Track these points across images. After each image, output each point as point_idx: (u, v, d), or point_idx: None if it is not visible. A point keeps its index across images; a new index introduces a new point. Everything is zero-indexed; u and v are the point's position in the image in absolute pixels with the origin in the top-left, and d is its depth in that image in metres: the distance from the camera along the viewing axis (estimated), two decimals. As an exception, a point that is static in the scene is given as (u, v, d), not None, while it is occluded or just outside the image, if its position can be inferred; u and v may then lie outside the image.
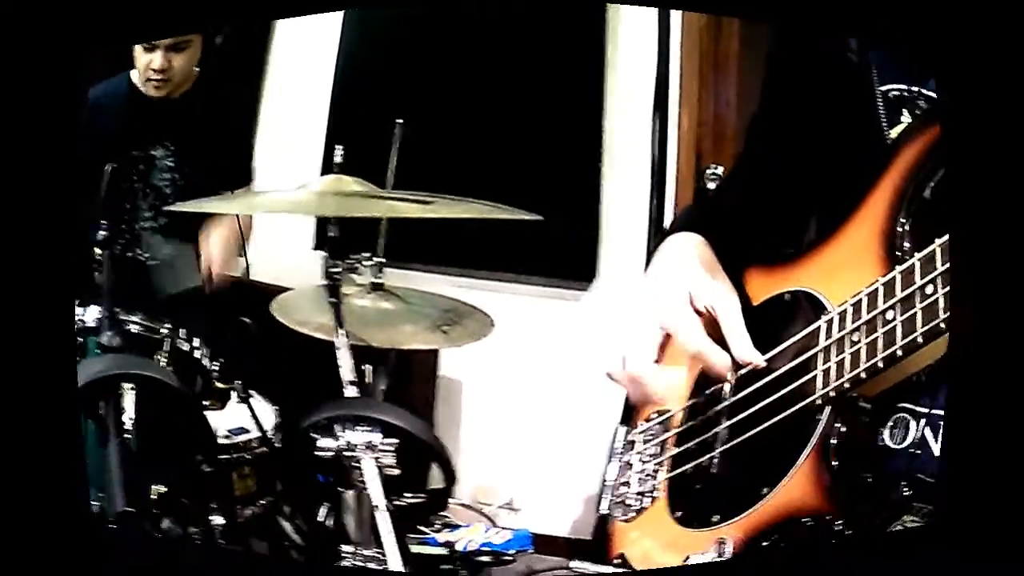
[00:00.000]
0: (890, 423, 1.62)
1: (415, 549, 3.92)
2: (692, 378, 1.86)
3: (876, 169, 1.66)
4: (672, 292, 1.76)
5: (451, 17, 4.61)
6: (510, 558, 4.03)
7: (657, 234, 2.10)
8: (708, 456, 1.80)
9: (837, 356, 1.60)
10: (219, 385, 3.51)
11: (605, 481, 1.99)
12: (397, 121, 3.71)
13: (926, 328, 1.47)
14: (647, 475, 1.91)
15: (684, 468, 1.84)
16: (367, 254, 3.62)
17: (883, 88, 1.75)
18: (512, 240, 4.46)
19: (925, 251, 1.50)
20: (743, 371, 1.72)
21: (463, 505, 4.58)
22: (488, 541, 4.05)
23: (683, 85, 4.57)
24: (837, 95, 1.82)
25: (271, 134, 5.01)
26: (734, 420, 1.76)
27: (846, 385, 1.58)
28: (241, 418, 3.57)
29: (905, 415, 1.61)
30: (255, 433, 3.54)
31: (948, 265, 1.42)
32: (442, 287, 4.08)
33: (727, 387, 1.77)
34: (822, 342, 1.65)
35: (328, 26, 4.91)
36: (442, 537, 4.05)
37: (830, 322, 1.64)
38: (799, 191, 1.90)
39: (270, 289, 3.81)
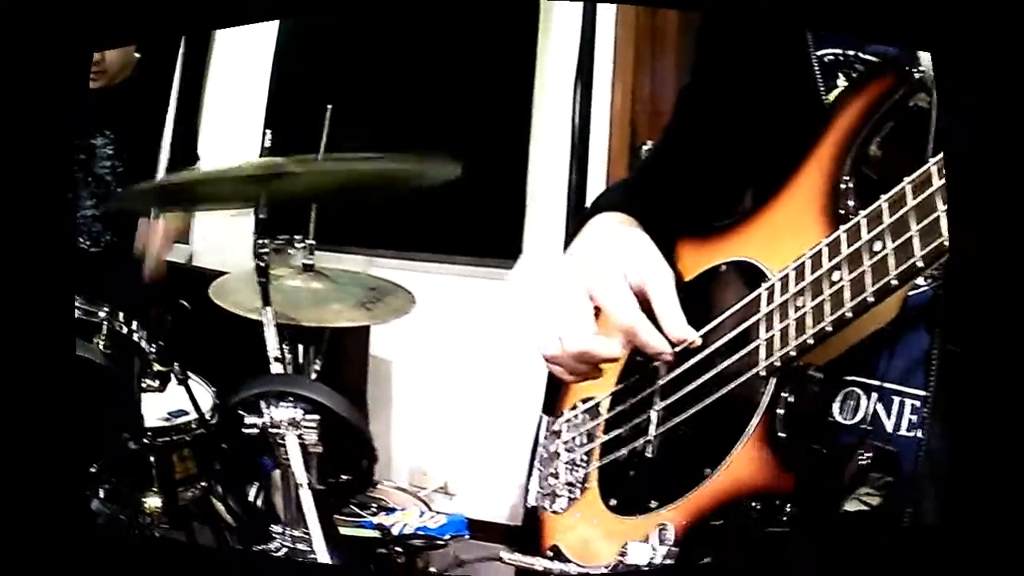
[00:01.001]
0: (840, 397, 1.51)
1: (349, 532, 3.87)
2: (623, 361, 1.69)
3: (814, 133, 1.54)
4: (605, 269, 1.60)
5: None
6: (443, 543, 3.95)
7: (576, 211, 1.96)
8: (642, 440, 1.65)
9: (781, 323, 1.47)
10: (158, 368, 3.43)
11: (531, 472, 1.85)
12: (327, 106, 3.67)
13: (876, 286, 1.34)
14: (576, 465, 1.77)
15: (616, 455, 1.70)
16: (299, 236, 3.65)
17: (819, 53, 1.64)
18: (439, 219, 4.37)
19: (871, 207, 1.38)
20: (678, 349, 1.57)
21: (398, 488, 4.46)
22: (423, 525, 3.97)
23: (617, 61, 4.36)
24: (771, 62, 1.70)
25: (215, 119, 4.90)
26: (669, 400, 1.62)
27: (792, 353, 1.45)
28: (181, 401, 3.49)
29: (855, 389, 1.50)
30: (194, 415, 3.46)
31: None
32: (371, 268, 4.10)
33: (661, 367, 1.63)
34: (763, 310, 1.51)
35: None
36: (377, 521, 3.97)
37: (771, 289, 1.51)
38: (732, 160, 1.78)
39: (212, 274, 3.80)
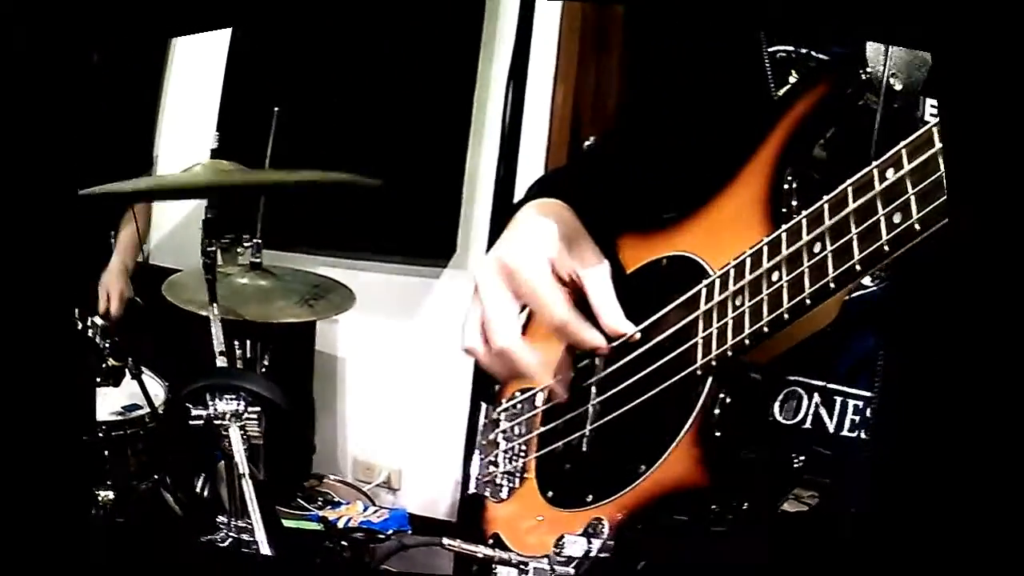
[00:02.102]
0: (780, 397, 1.42)
1: (293, 524, 3.82)
2: (561, 352, 1.59)
3: (761, 130, 1.44)
4: (529, 262, 1.48)
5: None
6: (384, 537, 3.85)
7: (502, 206, 1.85)
8: (578, 434, 1.56)
9: (719, 321, 1.37)
10: (112, 363, 3.34)
11: (471, 461, 1.77)
12: (274, 108, 3.66)
13: (814, 288, 1.25)
14: (514, 455, 1.69)
15: (553, 447, 1.61)
16: (247, 236, 3.64)
17: (771, 49, 1.54)
18: (379, 220, 4.25)
19: (812, 208, 1.28)
20: (615, 343, 1.48)
21: (343, 483, 4.38)
22: (367, 520, 3.93)
23: (560, 58, 4.19)
24: (723, 57, 1.60)
25: (171, 124, 4.80)
26: (606, 395, 1.52)
27: (729, 352, 1.35)
28: (134, 395, 3.39)
29: (797, 389, 1.41)
30: (147, 409, 3.36)
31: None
32: (317, 267, 4.01)
33: (598, 361, 1.53)
34: (702, 307, 1.41)
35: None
36: (322, 514, 3.94)
37: (711, 286, 1.41)
38: (680, 153, 1.64)
39: (168, 272, 3.78)
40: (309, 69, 4.36)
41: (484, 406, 1.76)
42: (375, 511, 4.01)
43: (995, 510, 1.29)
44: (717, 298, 1.39)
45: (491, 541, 1.66)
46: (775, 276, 1.30)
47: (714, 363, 1.37)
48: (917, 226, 1.14)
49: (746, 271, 1.35)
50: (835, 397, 1.40)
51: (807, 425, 1.40)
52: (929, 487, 1.32)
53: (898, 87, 1.37)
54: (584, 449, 1.54)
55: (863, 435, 1.39)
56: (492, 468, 1.71)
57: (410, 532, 3.96)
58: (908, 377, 1.35)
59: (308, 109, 4.18)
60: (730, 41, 1.57)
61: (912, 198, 1.15)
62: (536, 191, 1.68)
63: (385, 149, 4.19)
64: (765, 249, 1.33)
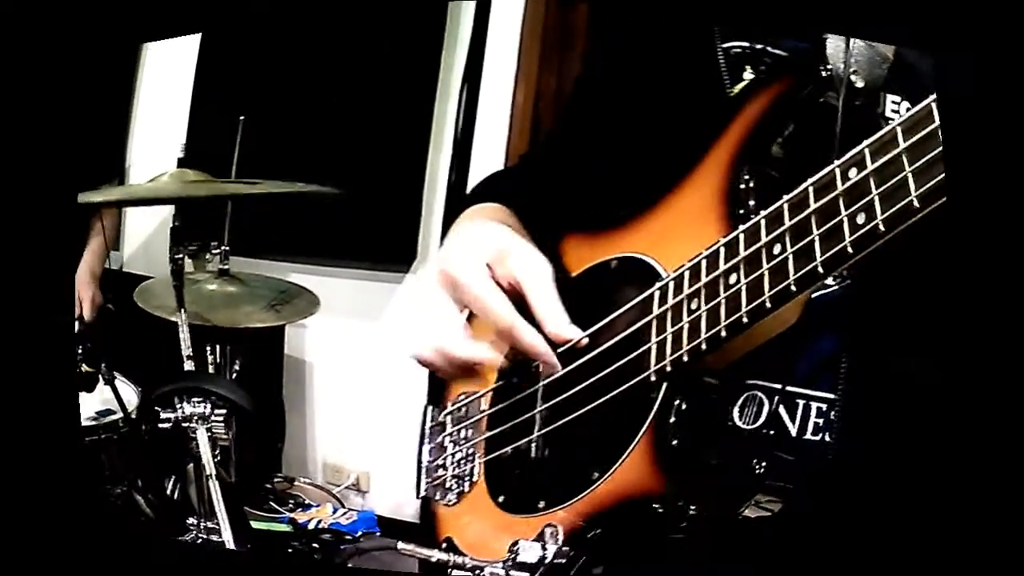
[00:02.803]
0: (740, 401, 1.31)
1: (263, 526, 3.79)
2: (504, 355, 1.48)
3: (715, 127, 1.34)
4: (469, 268, 1.38)
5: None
6: (353, 539, 3.83)
7: (455, 209, 1.80)
8: (526, 439, 1.46)
9: (673, 326, 1.27)
10: (85, 368, 3.24)
11: (420, 464, 1.66)
12: (240, 117, 3.63)
13: (774, 291, 1.16)
14: (462, 458, 1.58)
15: (500, 452, 1.51)
16: (215, 243, 3.62)
17: (725, 45, 1.43)
18: (344, 227, 4.14)
19: (771, 208, 1.19)
20: (561, 349, 1.37)
21: (313, 485, 4.30)
22: (336, 522, 3.89)
23: (521, 59, 4.02)
24: (675, 52, 1.49)
25: (143, 133, 4.70)
26: (553, 402, 1.42)
27: (685, 358, 1.25)
28: (108, 401, 3.31)
29: (757, 393, 1.31)
30: (120, 414, 3.28)
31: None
32: (284, 273, 3.95)
33: (542, 366, 1.41)
34: (655, 311, 1.31)
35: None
36: (292, 516, 3.91)
37: (664, 289, 1.31)
38: (629, 152, 1.53)
39: (141, 279, 3.74)
40: (275, 79, 4.26)
41: (430, 409, 1.68)
42: (344, 513, 3.97)
43: (961, 511, 1.24)
44: (671, 301, 1.29)
45: (444, 545, 1.56)
46: (733, 278, 1.21)
47: (668, 369, 1.27)
48: (881, 227, 1.06)
49: (702, 273, 1.25)
50: (797, 400, 1.31)
51: (768, 430, 1.30)
52: (894, 489, 1.30)
53: (859, 84, 1.29)
54: (533, 455, 1.45)
55: (827, 438, 1.30)
56: (441, 471, 1.62)
57: (379, 534, 3.91)
58: (871, 378, 1.29)
59: (274, 118, 4.10)
60: (683, 37, 1.48)
61: (876, 198, 1.07)
62: (478, 195, 1.61)
63: (348, 158, 4.09)
64: (722, 250, 1.24)
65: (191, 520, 3.07)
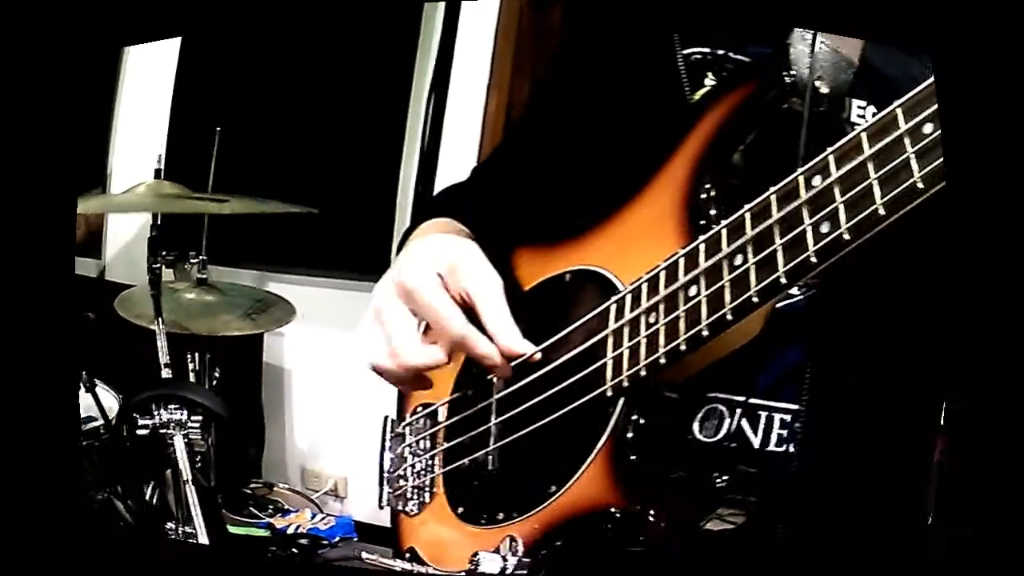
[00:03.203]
0: (700, 415, 1.28)
1: (242, 531, 3.78)
2: (458, 367, 1.45)
3: (675, 135, 1.26)
4: (423, 281, 1.31)
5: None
6: (329, 544, 3.80)
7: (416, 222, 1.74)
8: (482, 452, 1.40)
9: (630, 340, 1.21)
10: None
11: (382, 474, 1.59)
12: (216, 129, 3.60)
13: (735, 303, 1.10)
14: (422, 469, 1.53)
15: (458, 464, 1.45)
16: (193, 253, 3.59)
17: (685, 52, 1.36)
18: (320, 238, 4.09)
19: (732, 217, 1.13)
20: (515, 363, 1.29)
21: (292, 491, 4.24)
22: (315, 527, 3.86)
23: (494, 67, 3.92)
24: (634, 59, 1.42)
25: (124, 143, 4.62)
26: (507, 415, 1.36)
27: (643, 372, 1.19)
28: (89, 407, 3.23)
29: (718, 406, 1.28)
30: (101, 421, 3.22)
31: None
32: (262, 282, 3.97)
33: (496, 380, 1.36)
34: (611, 325, 1.24)
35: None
36: (270, 521, 3.88)
37: (620, 302, 1.24)
38: (583, 161, 1.47)
39: (122, 287, 3.71)
40: (253, 91, 4.20)
41: (390, 419, 1.61)
42: (322, 519, 3.93)
43: (923, 521, 1.30)
44: (628, 315, 1.23)
45: (408, 555, 1.51)
46: (692, 291, 1.15)
47: (625, 384, 1.21)
48: (846, 236, 1.01)
49: (660, 286, 1.19)
50: (759, 412, 1.27)
51: (730, 443, 1.27)
52: (858, 499, 1.27)
53: (824, 90, 1.23)
54: (490, 467, 1.39)
55: (791, 449, 1.26)
56: (402, 482, 1.56)
57: (356, 539, 3.88)
58: (837, 388, 1.25)
59: (251, 130, 4.06)
60: (642, 44, 1.41)
61: (840, 207, 1.02)
62: (432, 209, 1.55)
63: (323, 168, 4.07)
64: (681, 262, 1.17)
65: (169, 524, 3.05)
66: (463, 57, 3.89)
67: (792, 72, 1.21)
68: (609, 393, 1.22)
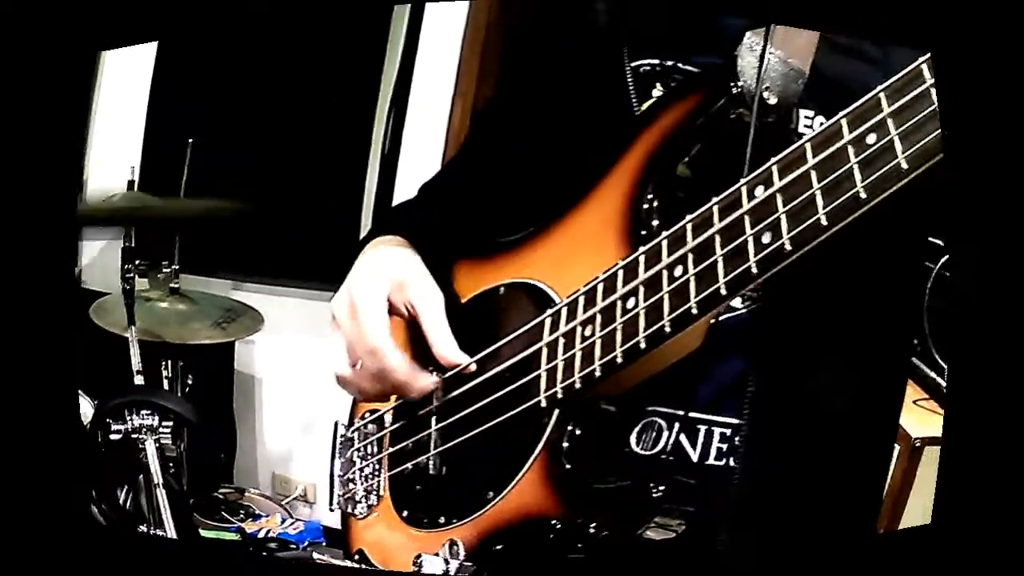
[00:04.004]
0: (638, 428, 1.22)
1: (212, 535, 3.67)
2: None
3: (619, 146, 1.21)
4: (366, 297, 1.32)
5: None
6: (296, 547, 3.68)
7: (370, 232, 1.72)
8: (424, 457, 1.38)
9: (565, 353, 1.17)
10: None
11: (332, 478, 1.59)
12: (189, 140, 3.50)
13: (674, 315, 1.05)
14: (370, 473, 1.50)
15: (402, 468, 1.43)
16: (166, 262, 3.48)
17: (634, 64, 1.29)
18: (289, 248, 3.97)
19: (673, 228, 1.08)
20: (447, 374, 1.31)
21: (263, 496, 4.12)
22: (284, 531, 3.76)
23: (459, 80, 3.77)
24: (582, 70, 1.36)
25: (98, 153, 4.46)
26: (446, 422, 1.33)
27: (577, 385, 1.14)
28: None
29: (656, 419, 1.22)
30: None
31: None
32: (233, 292, 3.85)
33: (437, 388, 1.33)
34: (545, 338, 1.21)
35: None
36: (240, 525, 3.77)
37: (556, 315, 1.20)
38: (526, 174, 1.42)
39: (98, 295, 3.55)
40: (225, 102, 4.07)
41: (339, 424, 1.60)
42: (292, 523, 3.84)
43: (870, 533, 1.29)
44: (563, 328, 1.19)
45: (357, 557, 1.49)
46: (631, 303, 1.10)
47: (560, 395, 1.17)
48: (788, 246, 0.96)
49: (597, 298, 1.14)
50: (698, 426, 1.22)
51: (668, 455, 1.21)
52: (802, 512, 1.23)
53: (772, 100, 1.16)
54: (432, 472, 1.36)
55: (731, 463, 1.20)
56: (352, 485, 1.53)
57: (324, 543, 3.77)
58: (778, 403, 1.19)
59: (223, 141, 3.92)
60: (590, 55, 1.34)
61: (783, 217, 0.97)
62: (381, 226, 1.53)
63: (291, 179, 3.93)
64: (620, 274, 1.12)
65: (142, 528, 2.95)
66: (429, 65, 3.79)
67: (740, 83, 1.15)
68: (543, 404, 1.19)
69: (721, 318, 1.15)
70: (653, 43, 1.29)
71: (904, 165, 0.89)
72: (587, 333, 1.13)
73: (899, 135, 0.90)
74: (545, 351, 1.20)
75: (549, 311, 1.21)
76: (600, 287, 1.14)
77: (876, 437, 1.31)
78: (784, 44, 1.16)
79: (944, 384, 2.55)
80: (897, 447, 2.80)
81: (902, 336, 1.34)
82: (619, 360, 1.09)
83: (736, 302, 1.16)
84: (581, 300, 1.16)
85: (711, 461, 1.21)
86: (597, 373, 1.11)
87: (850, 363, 1.23)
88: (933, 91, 0.89)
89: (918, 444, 2.73)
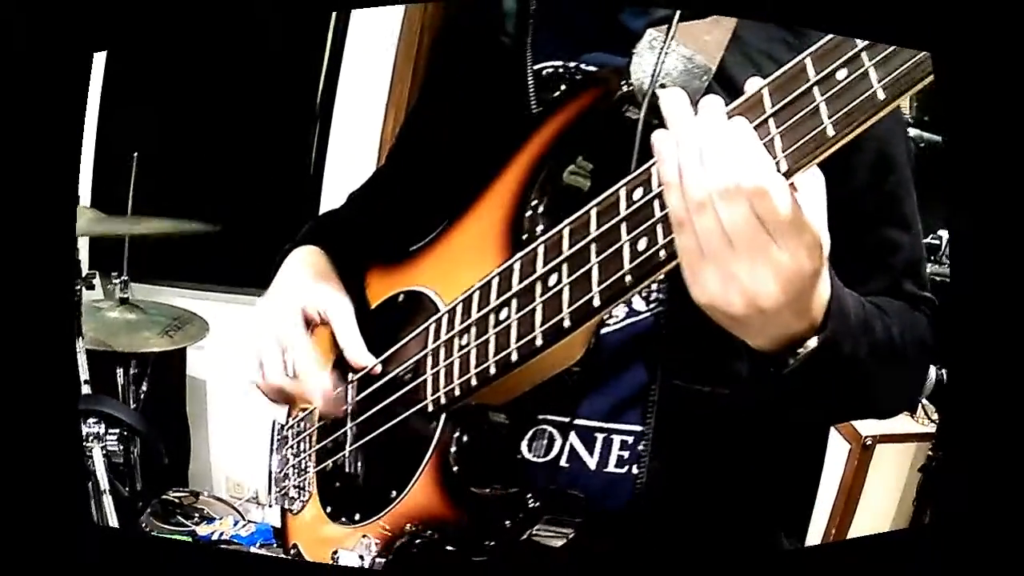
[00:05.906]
0: (529, 435, 1.17)
1: (163, 536, 3.59)
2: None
3: (509, 150, 1.16)
4: (282, 306, 1.33)
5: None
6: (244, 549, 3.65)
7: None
8: (341, 455, 1.37)
9: (446, 360, 1.14)
10: None
11: (270, 474, 1.57)
12: (134, 154, 3.51)
13: (546, 327, 1.00)
14: (301, 470, 1.49)
15: (325, 464, 1.41)
16: (115, 273, 3.49)
17: (537, 67, 1.23)
18: (236, 256, 3.75)
19: (550, 234, 1.02)
20: (358, 375, 1.29)
21: (217, 499, 4.05)
22: (236, 534, 3.70)
23: (392, 88, 3.72)
24: (488, 78, 1.30)
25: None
26: (358, 421, 1.32)
27: (456, 391, 1.11)
28: None
29: (547, 427, 1.17)
30: None
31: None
32: (178, 300, 3.79)
33: (351, 390, 1.32)
34: (430, 344, 1.18)
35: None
36: (201, 530, 3.70)
37: (439, 322, 1.17)
38: (430, 182, 1.37)
39: None
40: (168, 117, 3.97)
41: (276, 423, 1.58)
42: (243, 525, 3.78)
43: (776, 540, 1.22)
44: (444, 336, 1.16)
45: (293, 552, 1.47)
46: (504, 313, 1.06)
47: (443, 401, 1.14)
48: (662, 254, 0.89)
49: (473, 307, 1.11)
50: (595, 434, 1.15)
51: (562, 462, 1.16)
52: (709, 518, 1.17)
53: None
54: (347, 469, 1.35)
55: (634, 470, 1.13)
56: (286, 481, 1.52)
57: (274, 544, 3.69)
58: (683, 409, 1.12)
59: (167, 156, 3.84)
60: (497, 60, 1.28)
61: (659, 223, 0.90)
62: (301, 235, 1.51)
63: (237, 193, 3.87)
64: (495, 282, 1.08)
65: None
66: (360, 75, 3.74)
67: (631, 81, 1.08)
68: (430, 408, 1.16)
69: (625, 322, 1.11)
70: (556, 44, 1.22)
71: (785, 167, 0.83)
72: (463, 342, 1.10)
73: (779, 134, 0.83)
74: (430, 358, 1.17)
75: (432, 319, 1.18)
76: (476, 296, 1.10)
77: (797, 439, 1.22)
78: (690, 40, 1.09)
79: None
80: (848, 446, 2.79)
81: None
82: (492, 371, 1.06)
83: (640, 305, 1.11)
84: (459, 309, 1.13)
85: (611, 468, 1.15)
86: (474, 382, 1.08)
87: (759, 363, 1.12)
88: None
89: (869, 443, 2.71)
